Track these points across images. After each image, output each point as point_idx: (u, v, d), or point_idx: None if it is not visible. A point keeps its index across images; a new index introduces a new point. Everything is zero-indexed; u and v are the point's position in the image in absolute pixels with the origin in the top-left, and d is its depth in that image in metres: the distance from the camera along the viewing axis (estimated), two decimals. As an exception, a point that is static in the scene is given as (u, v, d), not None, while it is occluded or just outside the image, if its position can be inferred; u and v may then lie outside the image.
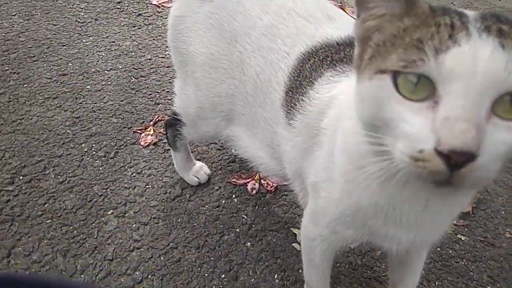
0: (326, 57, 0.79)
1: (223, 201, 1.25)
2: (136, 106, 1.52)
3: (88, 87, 1.59)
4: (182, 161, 1.24)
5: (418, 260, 0.92)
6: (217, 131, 1.03)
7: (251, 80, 0.88)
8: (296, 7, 0.85)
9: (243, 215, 1.22)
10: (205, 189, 1.27)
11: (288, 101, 0.82)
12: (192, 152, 1.37)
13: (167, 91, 1.60)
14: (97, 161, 1.32)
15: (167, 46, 1.82)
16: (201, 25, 0.94)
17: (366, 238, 0.76)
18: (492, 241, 1.22)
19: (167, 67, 1.72)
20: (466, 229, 1.24)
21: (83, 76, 1.63)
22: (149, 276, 1.06)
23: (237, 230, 1.18)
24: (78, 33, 1.85)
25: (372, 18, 0.53)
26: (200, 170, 1.27)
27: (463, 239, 1.21)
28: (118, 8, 2.05)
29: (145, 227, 1.16)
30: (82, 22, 1.92)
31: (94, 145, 1.37)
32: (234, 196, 1.27)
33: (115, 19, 1.97)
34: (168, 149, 1.37)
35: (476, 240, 1.22)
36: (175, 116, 1.11)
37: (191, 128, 1.09)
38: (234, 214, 1.22)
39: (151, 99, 1.55)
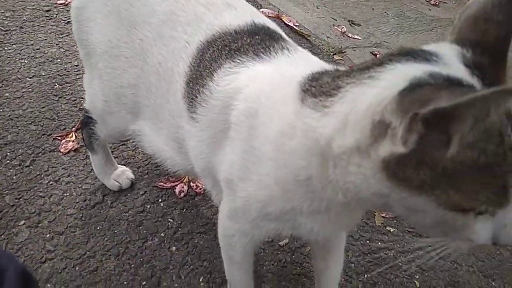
0: (224, 47, 0.77)
1: (148, 206, 1.19)
2: (58, 113, 1.44)
3: (7, 94, 1.49)
4: (101, 165, 1.17)
5: (340, 244, 0.91)
6: (125, 126, 0.98)
7: (153, 69, 0.84)
8: None
9: (169, 219, 1.17)
10: (129, 194, 1.21)
11: (189, 93, 0.78)
12: (117, 157, 1.30)
13: (94, 97, 1.53)
14: (11, 170, 1.22)
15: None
16: (99, 14, 0.90)
17: (289, 231, 0.73)
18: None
19: (96, 73, 1.65)
20: (394, 221, 1.25)
21: (2, 84, 1.53)
22: (62, 288, 0.98)
23: (162, 234, 1.12)
24: (0, 41, 1.75)
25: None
26: (122, 174, 1.20)
27: (391, 230, 1.22)
28: (46, 16, 1.96)
29: (60, 236, 1.08)
30: (5, 30, 1.82)
31: (8, 153, 1.27)
32: (160, 200, 1.21)
33: (42, 27, 1.89)
34: (91, 155, 1.30)
35: (405, 231, 1.23)
36: (87, 114, 1.05)
37: (101, 125, 1.04)
38: (160, 219, 1.16)
39: (75, 105, 1.48)
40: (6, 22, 1.88)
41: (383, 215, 1.25)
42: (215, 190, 0.86)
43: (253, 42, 0.76)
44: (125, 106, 0.94)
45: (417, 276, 1.11)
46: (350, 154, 0.53)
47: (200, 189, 1.24)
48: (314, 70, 0.65)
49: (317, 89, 0.59)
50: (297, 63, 0.73)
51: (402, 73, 0.51)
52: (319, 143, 0.56)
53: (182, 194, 1.23)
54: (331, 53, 2.13)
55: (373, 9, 2.74)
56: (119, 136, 1.06)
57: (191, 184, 1.26)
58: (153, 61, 0.84)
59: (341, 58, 2.11)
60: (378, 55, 2.16)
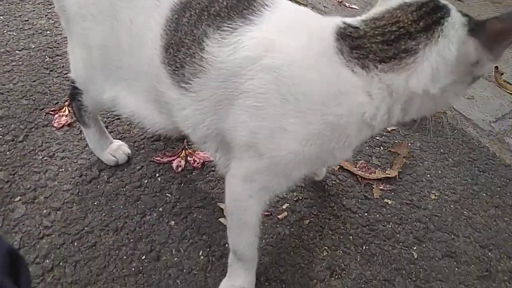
0: (202, 12, 0.74)
1: (146, 181, 1.18)
2: (50, 87, 1.40)
3: (-4, 68, 1.45)
4: (95, 138, 1.15)
5: None
6: (102, 94, 0.94)
7: (124, 26, 0.80)
8: None
9: (167, 194, 1.16)
10: (125, 169, 1.19)
11: (171, 60, 0.76)
12: (112, 132, 1.28)
13: (86, 70, 1.49)
14: (4, 145, 1.20)
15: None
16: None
17: (315, 170, 0.98)
18: (418, 203, 1.23)
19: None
20: (392, 193, 1.25)
21: (-10, 57, 1.48)
22: (61, 264, 0.97)
23: (160, 209, 1.12)
24: (-16, 12, 1.69)
25: None
26: (118, 149, 1.18)
27: (389, 203, 1.22)
28: (33, -14, 1.89)
29: (57, 212, 1.07)
30: (-10, 1, 1.76)
31: (0, 129, 1.24)
32: (157, 175, 1.20)
33: (29, -4, 1.82)
34: (86, 130, 1.28)
35: (402, 203, 1.23)
36: (73, 84, 1.02)
37: (86, 94, 1.01)
38: (158, 194, 1.15)
39: (66, 79, 1.44)
40: (-9, -7, 1.81)
41: (381, 187, 1.25)
42: (220, 153, 0.86)
43: (230, 3, 0.74)
44: (99, 70, 0.91)
45: (414, 247, 1.12)
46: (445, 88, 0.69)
47: (198, 163, 1.23)
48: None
49: (385, 53, 0.67)
50: (293, 20, 0.76)
51: (458, 22, 0.67)
52: (392, 92, 0.69)
53: (180, 169, 1.21)
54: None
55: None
56: (101, 105, 1.01)
57: (188, 158, 1.24)
58: (123, 17, 0.80)
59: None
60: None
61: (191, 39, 0.74)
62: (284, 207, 1.16)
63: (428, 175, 1.33)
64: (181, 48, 0.74)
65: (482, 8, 2.54)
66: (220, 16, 0.73)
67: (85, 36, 0.87)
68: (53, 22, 1.69)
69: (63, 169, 1.16)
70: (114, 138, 1.22)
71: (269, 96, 0.70)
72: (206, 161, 1.24)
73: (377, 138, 1.42)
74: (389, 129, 1.46)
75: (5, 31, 1.61)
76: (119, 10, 0.80)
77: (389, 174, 1.28)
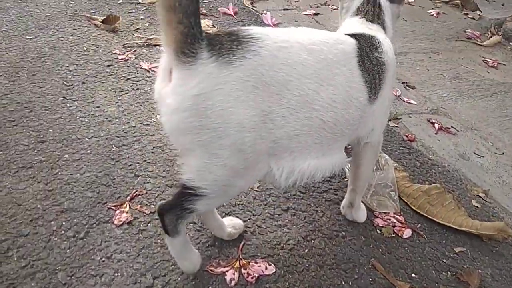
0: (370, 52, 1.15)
1: (198, 293, 1.15)
2: (114, 179, 1.45)
3: (66, 156, 1.52)
4: (183, 246, 1.11)
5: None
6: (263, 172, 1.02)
7: (325, 107, 1.01)
8: (318, 40, 1.02)
9: (219, 310, 1.11)
10: (179, 278, 1.17)
11: (372, 93, 1.13)
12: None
13: (148, 162, 1.53)
14: (65, 242, 1.22)
15: (153, 113, 1.79)
16: (241, 92, 0.88)
17: None
18: None
19: (151, 135, 1.67)
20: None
21: (62, 144, 1.57)
22: None
23: (212, 328, 1.07)
24: (63, 97, 1.82)
25: None
26: (198, 257, 1.17)
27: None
28: (107, 72, 2.03)
29: (109, 324, 1.05)
30: (68, 85, 1.89)
31: (64, 222, 1.28)
32: (210, 287, 1.17)
33: (103, 83, 1.95)
34: (144, 229, 1.29)
35: None
36: (189, 191, 0.97)
37: (217, 197, 1.02)
38: (209, 309, 1.11)
39: (130, 170, 1.48)
40: (70, 77, 1.96)
41: None
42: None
43: None
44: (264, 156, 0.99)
45: None
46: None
47: (252, 277, 1.19)
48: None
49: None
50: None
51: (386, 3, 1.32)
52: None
53: (233, 283, 1.17)
54: (386, 119, 2.07)
55: (428, 70, 2.67)
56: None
57: (242, 271, 1.21)
58: (323, 103, 1.00)
59: (397, 125, 2.05)
60: (436, 124, 2.08)
61: (376, 71, 1.13)
62: None
63: (502, 310, 1.21)
64: (374, 80, 1.12)
65: None
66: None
67: (270, 138, 0.97)
68: (122, 109, 1.79)
69: (118, 274, 1.16)
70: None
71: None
72: (261, 275, 1.20)
73: (444, 260, 1.33)
74: (456, 250, 1.37)
75: (77, 117, 1.72)
76: (315, 99, 0.99)
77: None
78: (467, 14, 3.45)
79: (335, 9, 3.26)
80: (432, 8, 3.44)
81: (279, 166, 1.02)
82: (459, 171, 1.79)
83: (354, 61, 1.06)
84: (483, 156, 1.92)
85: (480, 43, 3.11)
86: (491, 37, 3.20)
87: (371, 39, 1.16)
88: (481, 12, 3.44)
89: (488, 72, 2.75)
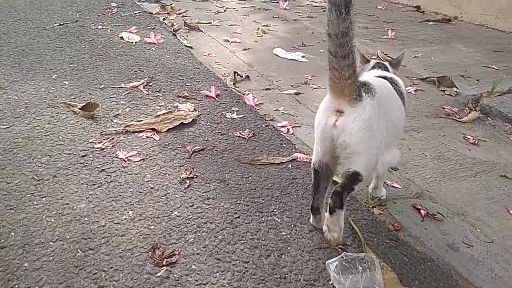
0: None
1: None
2: (75, 292, 1.32)
3: (26, 264, 1.40)
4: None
5: None
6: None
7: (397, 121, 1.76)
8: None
9: None
10: None
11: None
12: None
13: (116, 269, 1.41)
14: None
15: (125, 209, 1.70)
16: (379, 114, 1.52)
17: None
18: None
19: (121, 235, 1.57)
20: None
21: (23, 250, 1.45)
22: None
23: None
24: (31, 193, 1.73)
25: None
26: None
27: None
28: (81, 163, 1.97)
29: None
30: (38, 180, 1.81)
31: None
32: None
33: (75, 175, 1.88)
34: None
35: None
36: (357, 177, 1.48)
37: (367, 179, 1.65)
38: None
39: (94, 280, 1.36)
40: (41, 170, 1.89)
41: None
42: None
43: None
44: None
45: None
46: None
47: None
48: None
49: None
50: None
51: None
52: None
53: None
54: (370, 206, 2.00)
55: (410, 149, 2.66)
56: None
57: None
58: (395, 119, 1.69)
59: (381, 213, 1.98)
60: (421, 210, 2.02)
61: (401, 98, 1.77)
62: None
63: None
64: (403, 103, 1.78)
65: None
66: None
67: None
68: (92, 206, 1.70)
69: None
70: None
71: None
72: None
73: None
74: None
75: (44, 216, 1.62)
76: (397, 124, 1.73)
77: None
78: (444, 90, 3.54)
79: (315, 88, 3.33)
80: (410, 85, 3.53)
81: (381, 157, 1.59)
82: (449, 265, 1.70)
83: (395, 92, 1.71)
84: (472, 246, 1.84)
85: (459, 119, 3.15)
86: (469, 113, 3.26)
87: (391, 78, 1.78)
88: (457, 88, 3.53)
89: (470, 150, 2.75)
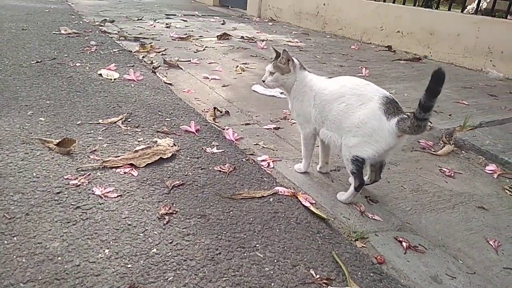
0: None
1: None
2: (46, 338, 1.23)
3: (-8, 309, 1.31)
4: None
5: None
6: None
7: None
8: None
9: None
10: None
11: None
12: None
13: (91, 312, 1.34)
14: None
15: (101, 247, 1.63)
16: None
17: None
18: None
19: (96, 275, 1.49)
20: None
21: (-10, 293, 1.36)
22: None
23: None
24: (1, 232, 1.64)
25: None
26: None
27: None
28: (56, 200, 1.90)
29: None
30: (10, 218, 1.73)
31: None
32: None
33: (49, 213, 1.80)
34: None
35: None
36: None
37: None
38: None
39: (67, 325, 1.28)
40: (13, 208, 1.81)
41: None
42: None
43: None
44: None
45: None
46: None
47: None
48: None
49: None
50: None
51: None
52: None
53: None
54: (353, 239, 1.99)
55: (388, 182, 2.69)
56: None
57: None
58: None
59: (364, 246, 1.96)
60: (403, 242, 2.01)
61: None
62: None
63: None
64: None
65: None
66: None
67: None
68: (66, 245, 1.62)
69: None
70: None
71: None
72: None
73: None
74: None
75: (14, 256, 1.53)
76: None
77: None
78: (418, 125, 3.64)
79: (294, 123, 3.37)
80: (386, 120, 3.61)
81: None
82: (434, 298, 1.68)
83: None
84: (455, 277, 1.83)
85: (434, 153, 3.22)
86: (443, 146, 3.34)
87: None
88: (431, 123, 3.64)
89: (446, 182, 2.80)
